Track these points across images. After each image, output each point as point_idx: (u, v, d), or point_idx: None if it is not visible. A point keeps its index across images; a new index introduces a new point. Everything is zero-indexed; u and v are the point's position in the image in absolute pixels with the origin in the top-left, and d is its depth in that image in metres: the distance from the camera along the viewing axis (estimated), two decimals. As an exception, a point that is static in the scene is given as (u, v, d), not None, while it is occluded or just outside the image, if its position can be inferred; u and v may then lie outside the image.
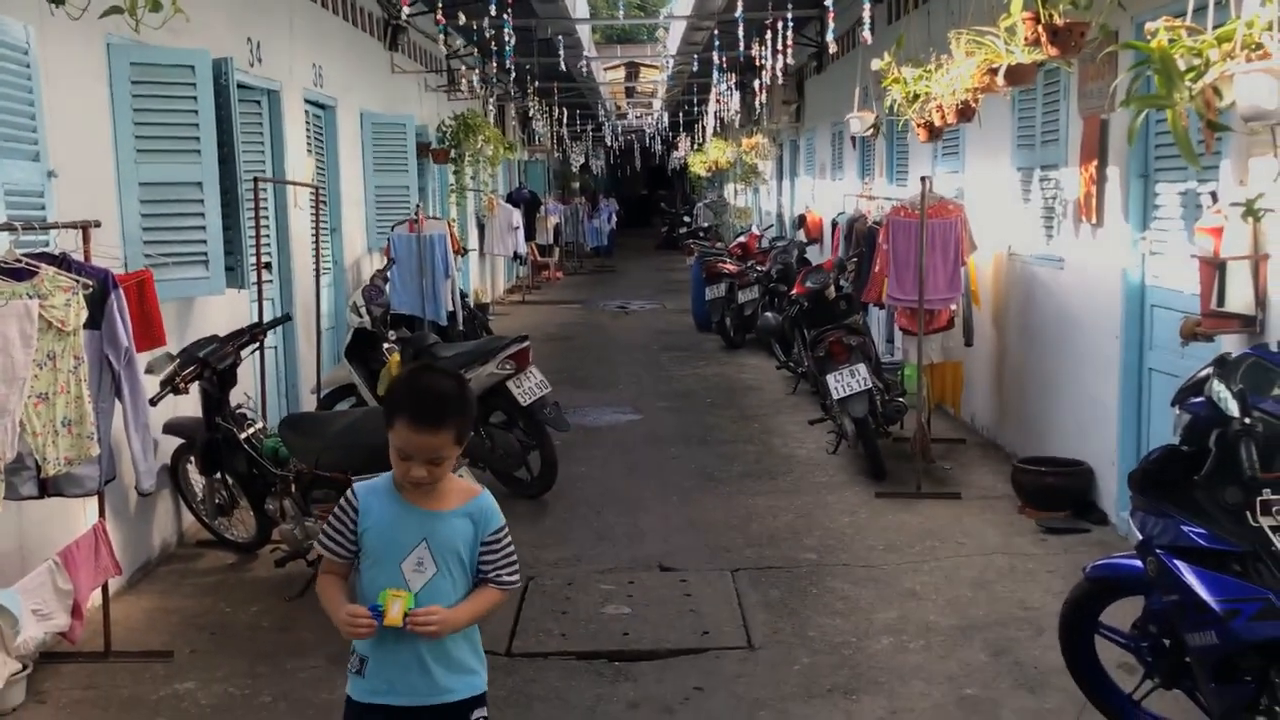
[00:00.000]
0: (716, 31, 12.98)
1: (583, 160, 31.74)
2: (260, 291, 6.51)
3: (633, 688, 4.22)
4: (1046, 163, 6.74)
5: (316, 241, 7.68)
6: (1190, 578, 2.91)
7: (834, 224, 11.00)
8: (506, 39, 10.74)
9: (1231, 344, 4.45)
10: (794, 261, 11.88)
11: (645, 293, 19.59)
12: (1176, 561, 2.97)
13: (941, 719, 3.95)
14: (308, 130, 8.31)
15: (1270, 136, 3.89)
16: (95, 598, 4.52)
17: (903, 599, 5.00)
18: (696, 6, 14.06)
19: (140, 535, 5.49)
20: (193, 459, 5.66)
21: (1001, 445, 7.56)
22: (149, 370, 4.95)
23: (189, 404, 5.58)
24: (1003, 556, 5.50)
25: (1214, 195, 4.59)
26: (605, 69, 25.35)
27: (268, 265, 7.24)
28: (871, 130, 9.03)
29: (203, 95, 5.62)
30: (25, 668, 4.09)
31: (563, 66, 14.82)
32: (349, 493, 2.57)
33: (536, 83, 16.64)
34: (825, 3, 8.04)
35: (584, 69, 17.97)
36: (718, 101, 16.96)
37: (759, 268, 12.78)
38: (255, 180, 6.45)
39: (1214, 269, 4.33)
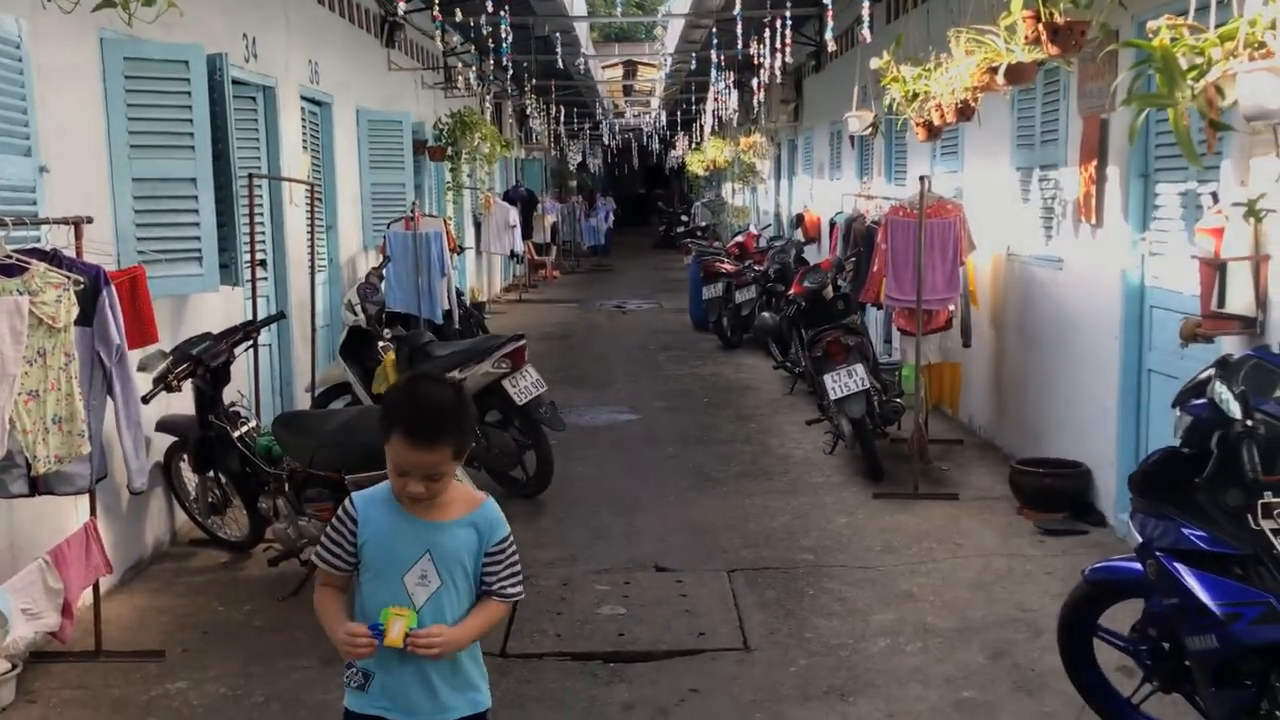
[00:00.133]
0: (715, 30, 12.94)
1: (580, 159, 31.70)
2: (254, 289, 6.47)
3: (628, 689, 4.19)
4: (1046, 162, 6.72)
5: (312, 239, 7.64)
6: (1191, 581, 2.88)
7: (832, 224, 10.98)
8: (504, 36, 10.70)
9: (1232, 345, 4.43)
10: (792, 261, 11.84)
11: (642, 292, 19.56)
12: (1177, 564, 2.95)
13: (939, 722, 3.93)
14: (303, 127, 8.27)
15: (1272, 136, 3.87)
16: (86, 596, 4.47)
17: (900, 600, 4.97)
18: (695, 5, 14.03)
19: (133, 533, 5.45)
20: (186, 457, 5.63)
21: (999, 446, 7.54)
22: (142, 368, 4.92)
23: (182, 402, 5.54)
24: (1000, 558, 5.48)
25: (1215, 196, 4.57)
26: (603, 67, 25.34)
27: (262, 263, 7.20)
28: (870, 129, 9.01)
29: (197, 91, 5.58)
30: (15, 667, 4.06)
31: (560, 64, 14.78)
32: (347, 503, 2.47)
33: (534, 80, 16.58)
34: (824, 1, 8.00)
35: (581, 66, 17.93)
36: (716, 100, 16.93)
37: (756, 267, 12.75)
38: (250, 177, 6.41)
39: (1214, 270, 4.30)
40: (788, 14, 10.46)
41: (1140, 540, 3.16)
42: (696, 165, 25.37)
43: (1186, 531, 2.95)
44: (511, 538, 2.50)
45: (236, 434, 5.41)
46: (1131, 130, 3.49)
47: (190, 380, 5.28)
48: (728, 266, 13.00)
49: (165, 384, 5.10)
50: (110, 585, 5.03)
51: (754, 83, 13.87)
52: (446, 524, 2.43)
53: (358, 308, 7.69)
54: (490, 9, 9.80)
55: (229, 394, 5.58)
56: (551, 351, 12.22)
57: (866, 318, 8.77)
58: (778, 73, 11.01)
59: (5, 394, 3.65)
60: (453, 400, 2.39)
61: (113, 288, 4.20)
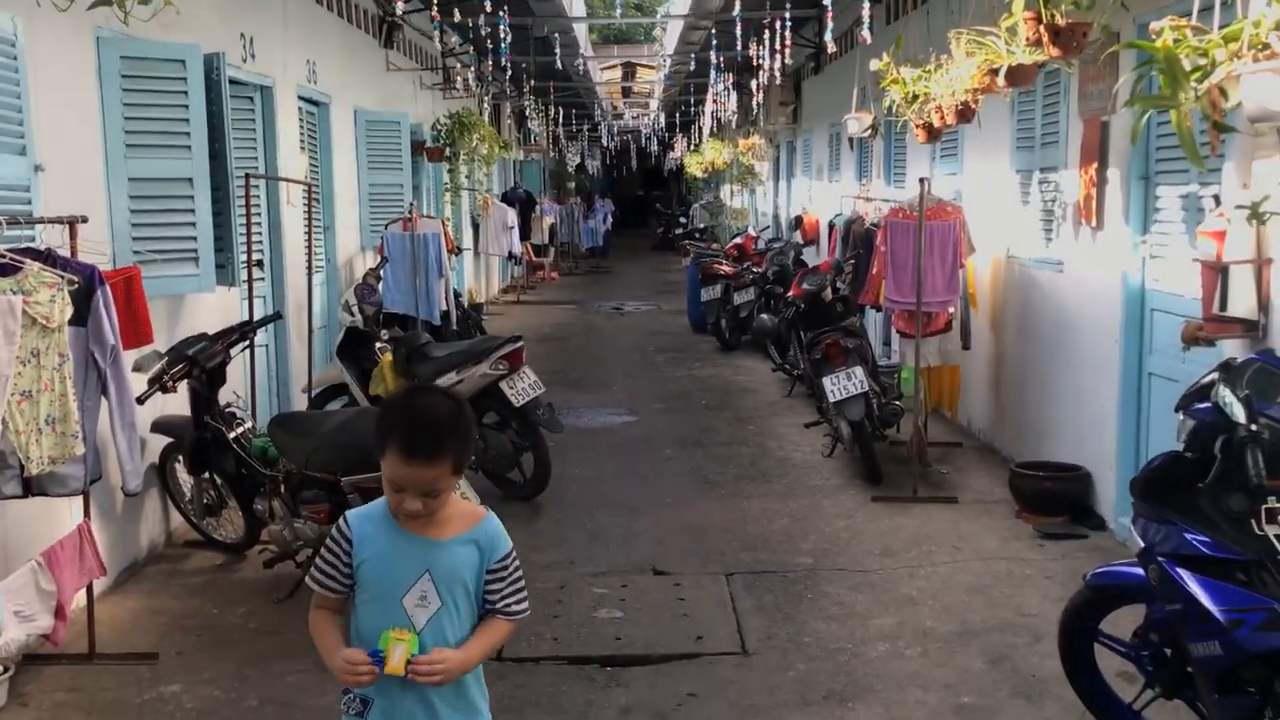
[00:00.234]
0: (714, 31, 12.93)
1: (578, 160, 31.68)
2: (251, 289, 6.44)
3: (625, 693, 4.16)
4: (1046, 165, 6.69)
5: (309, 239, 7.61)
6: (1194, 586, 2.85)
7: (831, 226, 10.96)
8: (502, 37, 10.68)
9: (1233, 349, 4.41)
10: (790, 263, 11.83)
11: (640, 294, 19.53)
12: (1179, 570, 2.92)
13: (938, 727, 3.90)
14: (301, 127, 8.25)
15: (1276, 138, 3.85)
16: (80, 598, 4.45)
17: (899, 605, 4.94)
18: (694, 6, 14.01)
19: (127, 535, 5.42)
20: (181, 458, 5.59)
21: (998, 449, 7.52)
22: (137, 368, 4.89)
23: (178, 403, 5.51)
24: (1000, 562, 5.45)
25: (1217, 198, 4.54)
26: (602, 69, 25.33)
27: (259, 263, 7.18)
28: (869, 131, 8.99)
29: (194, 90, 5.55)
30: (7, 670, 4.03)
31: (559, 65, 14.77)
32: (341, 523, 2.37)
33: (532, 82, 16.56)
34: (824, 2, 7.98)
35: (580, 68, 17.91)
36: (714, 102, 16.91)
37: (755, 269, 12.73)
38: (247, 177, 6.39)
39: (1216, 273, 4.28)
40: (787, 15, 10.45)
41: (1142, 545, 3.13)
42: (695, 167, 25.36)
43: (1189, 536, 2.92)
44: (514, 553, 2.40)
45: (232, 435, 5.38)
46: (1134, 132, 3.46)
47: (185, 381, 5.25)
48: (726, 268, 12.97)
49: (160, 385, 5.08)
50: (104, 587, 5.00)
51: (753, 84, 13.85)
52: (446, 542, 2.33)
53: (355, 308, 7.66)
54: (489, 10, 9.78)
55: (225, 395, 5.55)
56: (549, 353, 12.20)
57: (865, 320, 8.75)
58: (777, 74, 10.98)
59: (-2, 394, 3.62)
60: (451, 412, 2.28)
61: (107, 288, 4.17)
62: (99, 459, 4.37)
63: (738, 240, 14.92)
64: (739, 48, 12.13)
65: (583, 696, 4.13)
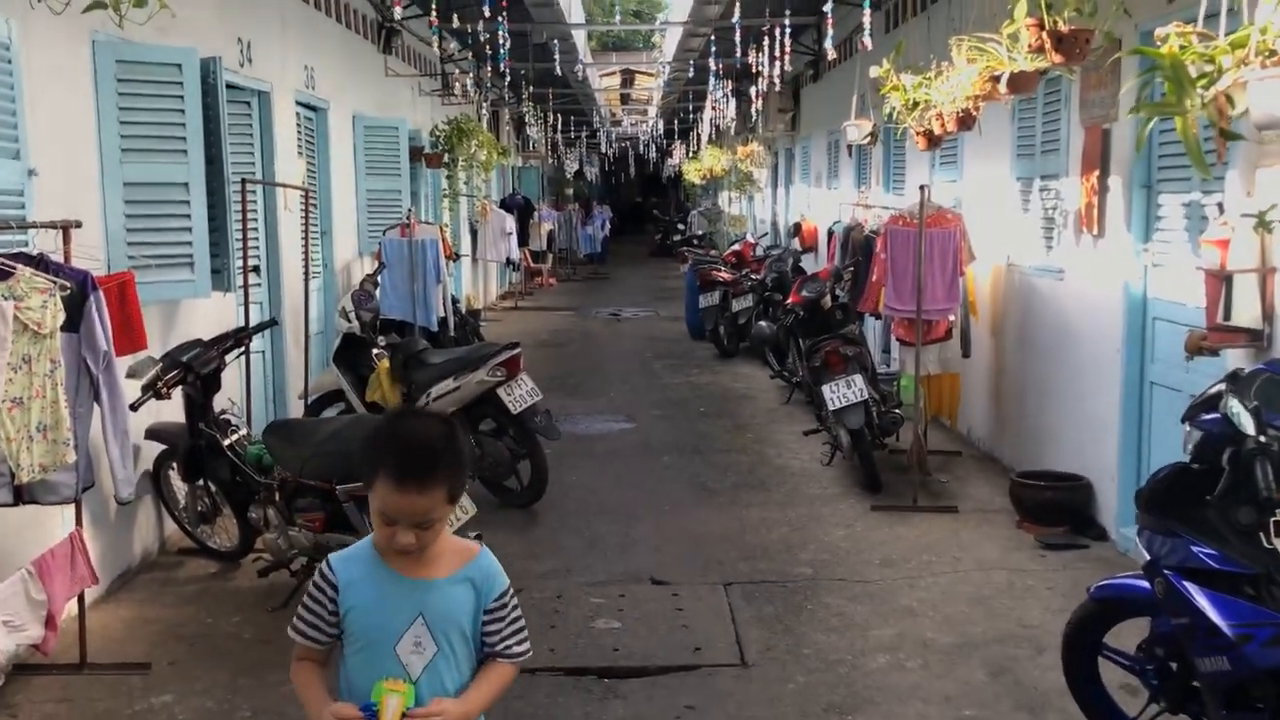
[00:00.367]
0: (714, 38, 12.91)
1: (577, 167, 31.68)
2: (247, 295, 6.40)
3: (622, 705, 4.11)
4: (1047, 172, 6.66)
5: (306, 245, 7.57)
6: (1201, 600, 2.81)
7: (830, 233, 10.93)
8: (501, 43, 10.66)
9: (1238, 359, 4.37)
10: (789, 270, 11.81)
11: (638, 300, 19.50)
12: (1186, 583, 2.88)
13: (940, 741, 3.86)
14: (299, 132, 8.21)
15: (1282, 146, 3.81)
16: (71, 607, 4.39)
17: (899, 616, 4.89)
18: (693, 13, 13.99)
19: (121, 542, 5.37)
20: (175, 465, 5.54)
21: (998, 458, 7.48)
22: (131, 374, 4.85)
23: (172, 409, 5.46)
24: (1001, 572, 5.40)
25: (1220, 206, 4.51)
26: (601, 75, 25.33)
27: (255, 268, 7.13)
28: (869, 138, 8.96)
29: (190, 94, 5.51)
30: (-4, 680, 3.98)
31: (558, 72, 14.75)
32: (324, 568, 2.18)
33: (531, 88, 16.55)
34: (824, 9, 7.96)
35: (580, 74, 17.89)
36: (713, 109, 16.90)
37: (754, 276, 12.70)
38: (243, 182, 6.34)
39: (1220, 282, 4.25)
40: (787, 23, 10.43)
41: (1148, 558, 3.09)
42: (693, 174, 25.35)
43: (1196, 549, 2.88)
44: (512, 590, 2.25)
45: (227, 442, 5.33)
46: (1139, 139, 3.44)
47: (180, 387, 5.20)
48: (725, 275, 12.94)
49: (155, 391, 5.03)
50: (96, 595, 4.94)
51: (752, 91, 13.84)
52: (439, 582, 2.15)
53: (352, 314, 7.62)
54: (488, 16, 9.76)
55: (220, 401, 5.51)
56: (547, 359, 12.15)
57: (864, 327, 8.71)
58: (776, 81, 10.97)
59: (-11, 401, 3.57)
60: (444, 435, 2.11)
61: (100, 293, 4.12)
62: (91, 467, 4.31)
63: (736, 247, 14.92)
64: (738, 54, 12.10)
65: (580, 709, 4.08)
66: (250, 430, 5.73)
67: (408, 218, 9.43)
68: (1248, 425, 2.73)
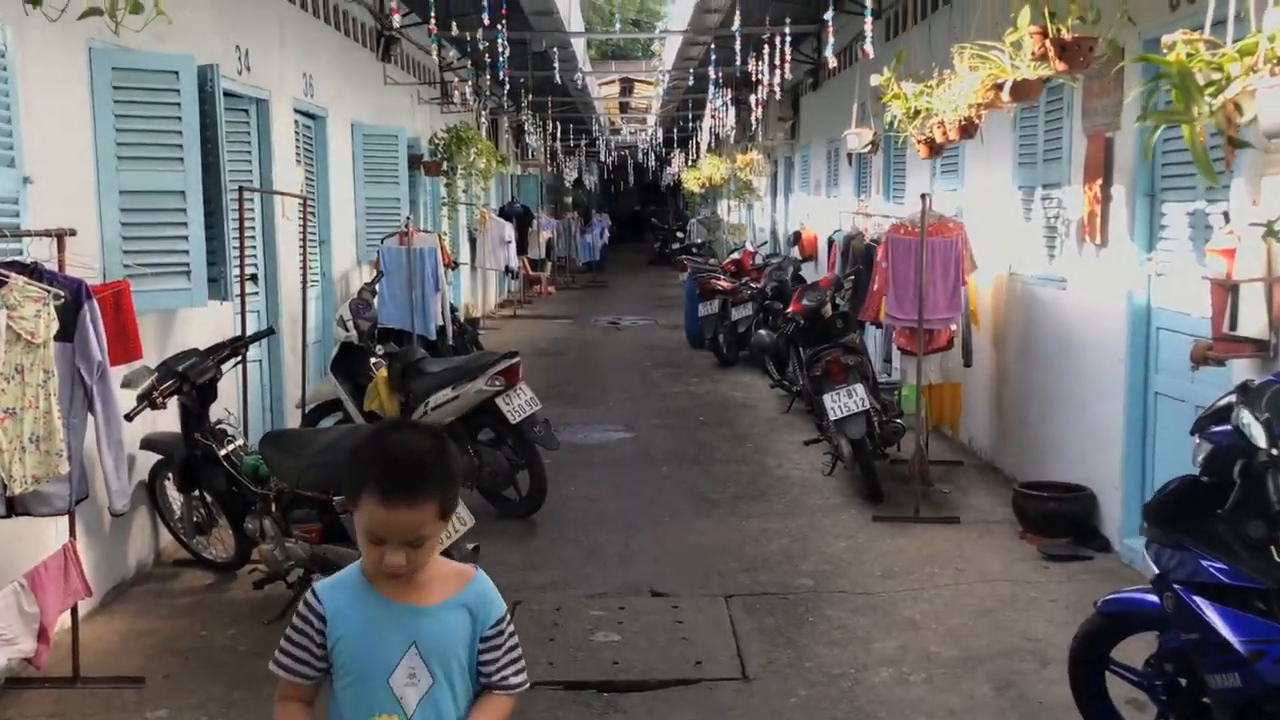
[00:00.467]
0: (714, 46, 12.90)
1: (576, 175, 31.68)
2: (244, 303, 6.35)
3: (622, 720, 4.06)
4: (1049, 181, 6.63)
5: (304, 253, 7.53)
6: (1212, 616, 2.76)
7: (830, 241, 10.89)
8: (501, 51, 10.63)
9: (1244, 369, 4.33)
10: (789, 279, 11.77)
11: (637, 308, 19.46)
12: (1196, 598, 2.83)
13: (944, 756, 3.80)
14: (297, 140, 8.17)
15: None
16: (64, 619, 4.34)
17: (902, 628, 4.84)
18: (693, 21, 13.99)
19: (115, 553, 5.32)
20: (171, 475, 5.50)
21: (1000, 468, 7.43)
22: (126, 384, 4.80)
23: (168, 419, 5.41)
24: (1004, 584, 5.35)
25: (1226, 215, 4.47)
26: (600, 84, 25.33)
27: (253, 277, 7.09)
28: (870, 147, 8.93)
29: (187, 102, 5.48)
30: (-13, 694, 3.92)
31: (557, 80, 14.73)
32: (310, 598, 2.04)
33: (531, 96, 16.54)
34: (825, 17, 7.94)
35: (579, 82, 17.90)
36: (713, 117, 16.89)
37: (753, 285, 12.66)
38: (240, 190, 6.30)
39: (1226, 291, 4.21)
40: (787, 31, 10.41)
41: (1156, 571, 3.04)
42: (692, 182, 25.34)
43: (1206, 564, 2.83)
44: (509, 616, 2.13)
45: (223, 452, 5.28)
46: (1146, 147, 3.40)
47: (176, 397, 5.16)
48: (724, 284, 12.90)
49: (150, 401, 4.98)
50: (91, 607, 4.89)
51: (751, 100, 13.82)
52: (432, 609, 2.03)
53: (350, 323, 7.57)
54: (487, 24, 9.73)
55: (216, 411, 5.46)
56: (545, 368, 12.11)
57: (864, 336, 8.67)
58: (777, 89, 10.94)
59: (-20, 412, 3.53)
60: (433, 447, 1.99)
61: (95, 302, 4.09)
62: (85, 478, 4.27)
63: (735, 255, 14.87)
64: (738, 63, 12.08)
65: (579, 723, 4.03)
66: (247, 440, 5.68)
67: (406, 226, 9.39)
68: (1259, 438, 2.68)
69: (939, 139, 6.03)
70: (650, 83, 25.06)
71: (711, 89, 14.21)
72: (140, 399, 4.95)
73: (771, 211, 19.48)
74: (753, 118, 15.92)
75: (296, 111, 8.13)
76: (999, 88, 5.00)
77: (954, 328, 7.04)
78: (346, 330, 7.54)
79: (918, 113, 6.20)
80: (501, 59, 10.80)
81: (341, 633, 2.02)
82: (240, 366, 6.04)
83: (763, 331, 10.71)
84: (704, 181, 23.56)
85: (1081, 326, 6.15)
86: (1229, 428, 2.82)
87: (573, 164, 30.10)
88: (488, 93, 15.58)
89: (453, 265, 12.17)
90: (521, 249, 18.68)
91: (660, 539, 6.18)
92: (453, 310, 10.66)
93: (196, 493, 5.44)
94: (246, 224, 6.52)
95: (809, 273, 12.50)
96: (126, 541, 5.44)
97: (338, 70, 9.26)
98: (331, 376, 7.32)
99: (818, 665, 4.48)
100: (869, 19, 7.35)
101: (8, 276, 3.76)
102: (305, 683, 2.07)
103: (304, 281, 7.53)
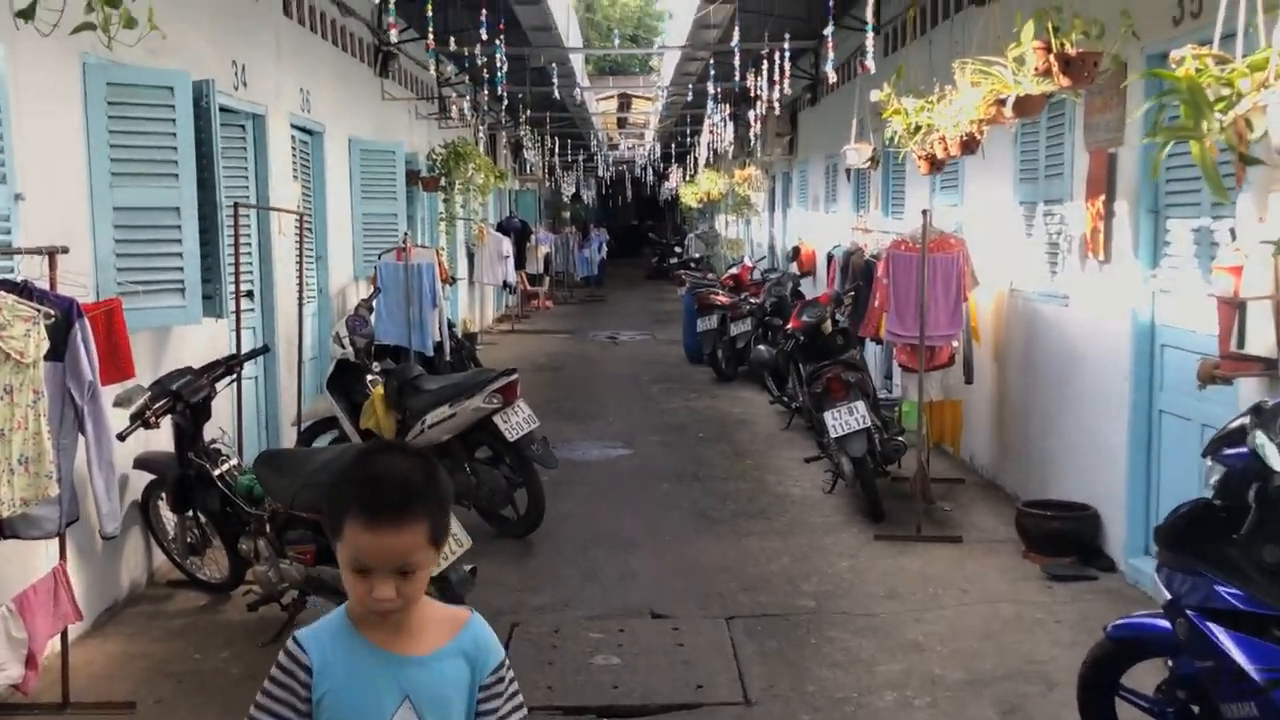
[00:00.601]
0: (712, 61, 12.89)
1: (574, 190, 31.69)
2: (239, 321, 6.29)
3: (623, 746, 3.98)
4: (1051, 197, 6.59)
5: (300, 269, 7.47)
6: (1227, 643, 2.70)
7: (830, 257, 10.85)
8: (499, 67, 10.61)
9: (1251, 387, 4.28)
10: (788, 294, 11.72)
11: (635, 323, 19.41)
12: (1210, 625, 2.77)
13: (951, 784, 3.73)
14: (294, 155, 8.12)
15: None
16: (54, 644, 4.26)
17: (906, 651, 4.77)
18: (691, 36, 13.99)
19: (107, 575, 5.23)
20: (164, 495, 5.42)
21: (1001, 486, 7.36)
22: (119, 403, 4.73)
23: (161, 438, 5.34)
24: (1008, 605, 5.28)
25: (1232, 232, 4.42)
26: (598, 99, 25.35)
27: (248, 294, 7.03)
28: (869, 162, 8.90)
29: (181, 117, 5.42)
30: (-26, 721, 3.84)
31: (556, 95, 14.71)
32: (291, 647, 1.86)
33: (529, 112, 16.53)
34: (825, 33, 7.91)
35: (577, 97, 17.90)
36: (711, 132, 16.88)
37: (752, 300, 12.61)
38: (235, 206, 6.25)
39: (1233, 309, 4.15)
40: (786, 46, 10.39)
41: (1167, 596, 2.98)
42: (690, 197, 25.34)
43: (1220, 589, 2.77)
44: (508, 662, 1.96)
45: (217, 472, 5.21)
46: (1155, 164, 3.34)
47: (169, 416, 5.09)
48: (723, 299, 12.85)
49: (143, 420, 4.91)
50: (82, 630, 4.80)
51: (750, 115, 13.81)
52: (426, 658, 1.87)
53: (346, 340, 7.50)
54: (485, 39, 9.71)
55: (210, 430, 5.39)
56: (543, 383, 12.04)
57: (864, 353, 8.62)
58: (775, 104, 10.92)
59: (-32, 433, 3.46)
60: (420, 467, 1.84)
61: (86, 321, 4.02)
62: (76, 500, 4.20)
63: (734, 270, 14.83)
64: (736, 78, 12.06)
65: (578, 749, 3.96)
66: (241, 460, 5.61)
67: (404, 241, 9.34)
68: (1276, 461, 2.63)
69: (940, 155, 5.99)
70: (648, 98, 25.09)
71: (710, 104, 14.19)
72: (133, 418, 4.88)
73: (770, 226, 19.46)
74: (751, 133, 15.91)
75: (293, 127, 8.09)
76: (1001, 103, 4.97)
77: (955, 344, 6.99)
78: (343, 347, 7.47)
79: (918, 128, 6.17)
80: (500, 74, 10.78)
81: (327, 686, 1.84)
82: (235, 385, 5.97)
83: (762, 347, 10.65)
84: (702, 196, 23.55)
85: (1084, 343, 6.10)
86: (1243, 450, 2.76)
87: (571, 179, 30.12)
88: (486, 108, 15.57)
89: (450, 281, 12.13)
90: (519, 264, 18.65)
91: (660, 558, 6.11)
92: (450, 326, 10.61)
93: (190, 513, 5.37)
94: (242, 240, 6.46)
95: (808, 288, 12.45)
96: (119, 562, 5.36)
97: (335, 85, 9.22)
98: (328, 394, 7.26)
99: (820, 689, 4.40)
100: (870, 34, 7.32)
101: (-3, 295, 3.70)
102: None
103: (300, 298, 7.47)
